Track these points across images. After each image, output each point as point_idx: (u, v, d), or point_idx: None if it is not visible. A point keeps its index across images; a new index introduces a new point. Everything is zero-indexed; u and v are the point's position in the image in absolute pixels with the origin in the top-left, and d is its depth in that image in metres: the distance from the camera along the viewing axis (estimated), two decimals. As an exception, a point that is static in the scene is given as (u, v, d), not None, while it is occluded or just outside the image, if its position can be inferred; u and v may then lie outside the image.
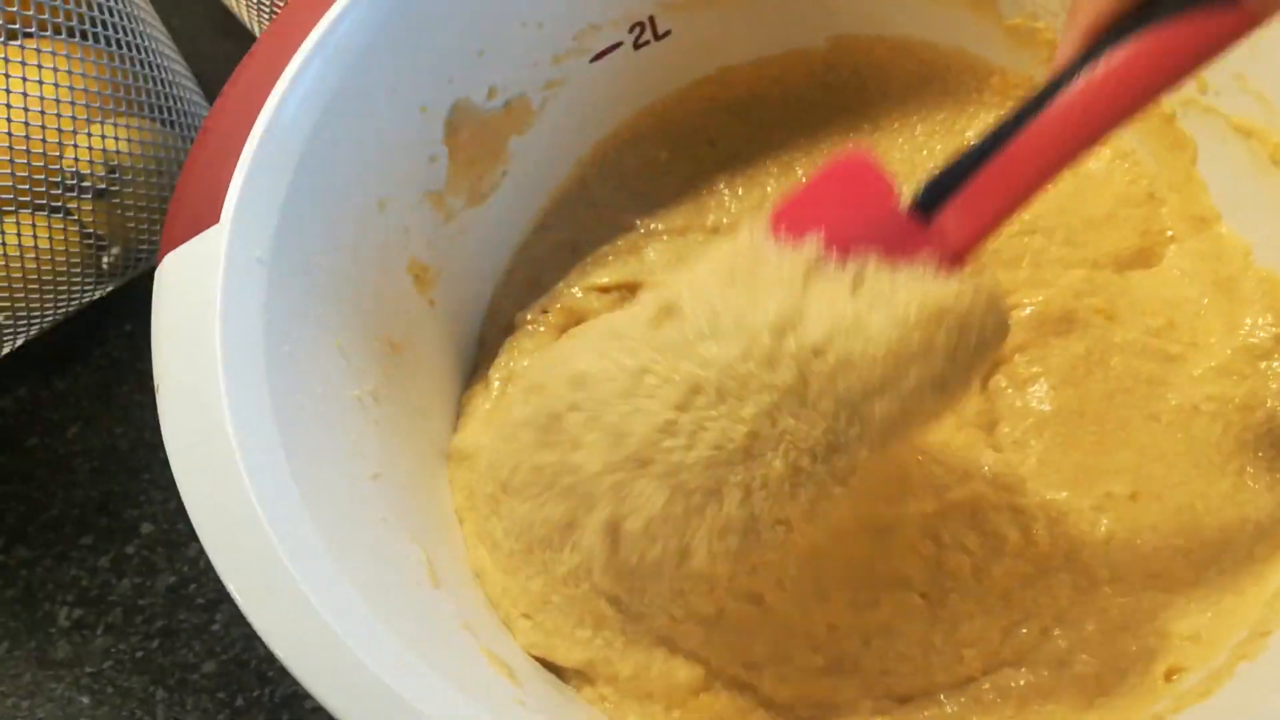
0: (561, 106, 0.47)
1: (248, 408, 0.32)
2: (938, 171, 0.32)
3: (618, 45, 0.47)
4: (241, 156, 0.37)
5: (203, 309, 0.34)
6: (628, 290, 0.47)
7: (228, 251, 0.35)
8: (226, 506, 0.30)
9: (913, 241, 0.32)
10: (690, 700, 0.37)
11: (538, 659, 0.38)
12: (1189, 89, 0.44)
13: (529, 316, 0.47)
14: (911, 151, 0.49)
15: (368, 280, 0.40)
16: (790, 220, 0.33)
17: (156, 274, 0.35)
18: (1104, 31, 0.30)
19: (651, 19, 0.47)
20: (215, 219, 0.36)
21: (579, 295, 0.47)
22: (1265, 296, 0.43)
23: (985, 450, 0.40)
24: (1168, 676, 0.36)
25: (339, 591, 0.30)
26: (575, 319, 0.46)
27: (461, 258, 0.45)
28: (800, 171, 0.49)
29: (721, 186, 0.49)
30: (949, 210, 0.32)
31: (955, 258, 0.32)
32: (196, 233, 0.36)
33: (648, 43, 0.47)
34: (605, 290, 0.47)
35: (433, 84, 0.42)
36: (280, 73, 0.39)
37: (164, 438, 0.32)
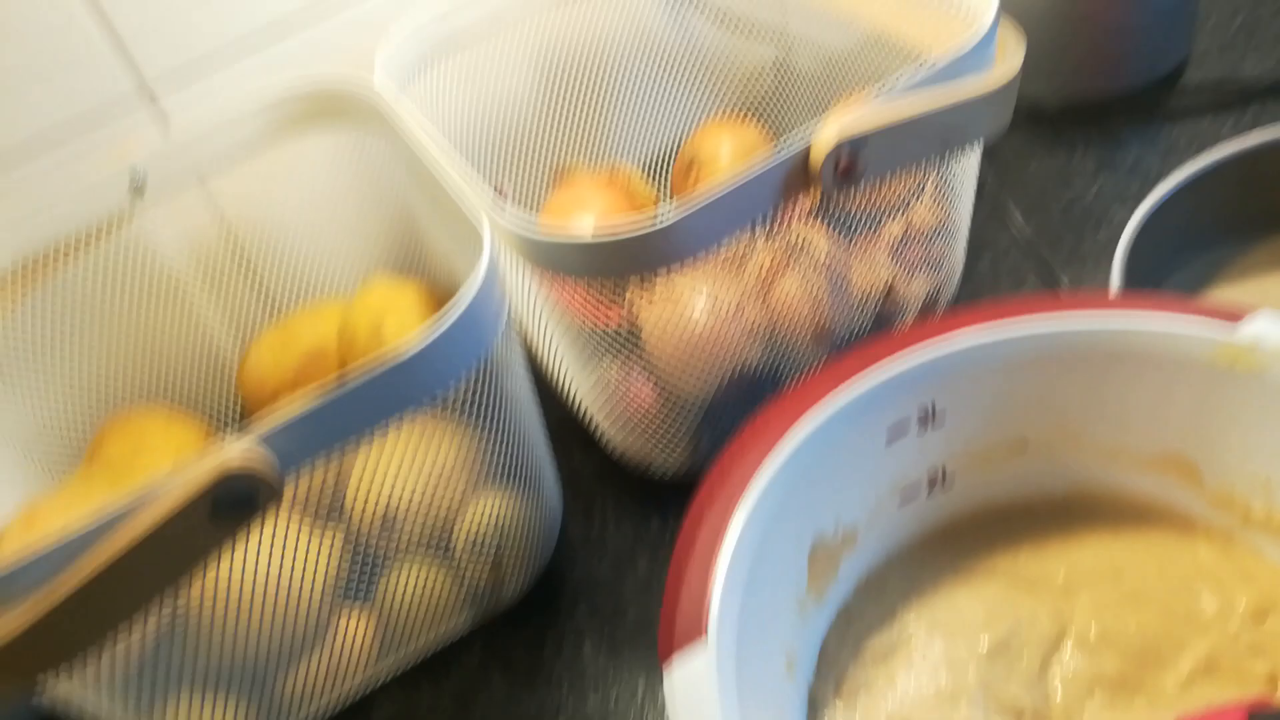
0: (874, 535, 0.63)
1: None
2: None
3: (917, 495, 0.64)
4: (713, 579, 0.51)
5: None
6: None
7: (718, 668, 0.48)
8: None
9: None
10: None
11: None
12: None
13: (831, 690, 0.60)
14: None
15: (768, 672, 0.54)
16: None
17: (667, 684, 0.48)
18: None
19: (943, 470, 0.64)
20: (700, 632, 0.50)
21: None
22: None
23: None
24: None
25: None
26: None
27: (807, 646, 0.60)
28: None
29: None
30: None
31: None
32: (690, 642, 0.49)
33: (937, 488, 0.64)
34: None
35: (810, 522, 0.58)
36: (731, 513, 0.54)
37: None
